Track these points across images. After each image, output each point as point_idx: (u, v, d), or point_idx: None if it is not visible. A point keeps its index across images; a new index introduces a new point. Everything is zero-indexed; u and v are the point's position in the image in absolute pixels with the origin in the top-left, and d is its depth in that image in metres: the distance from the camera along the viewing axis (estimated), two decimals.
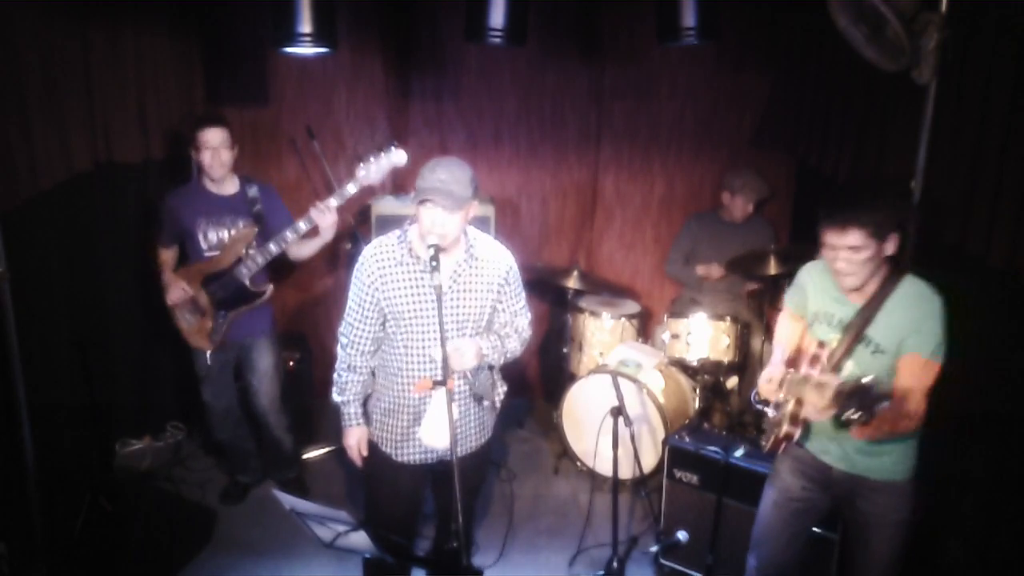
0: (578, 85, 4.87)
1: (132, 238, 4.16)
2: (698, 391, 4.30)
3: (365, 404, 2.85)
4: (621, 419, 3.25)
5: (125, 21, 3.83)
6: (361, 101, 4.78)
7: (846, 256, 2.36)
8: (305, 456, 4.38)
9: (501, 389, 2.94)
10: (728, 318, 4.31)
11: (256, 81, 4.62)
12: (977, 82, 2.81)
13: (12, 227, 2.98)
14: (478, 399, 2.80)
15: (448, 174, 2.49)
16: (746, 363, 4.51)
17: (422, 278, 2.62)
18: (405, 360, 2.70)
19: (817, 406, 2.28)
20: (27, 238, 3.23)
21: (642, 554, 3.56)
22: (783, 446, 2.56)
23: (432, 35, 4.73)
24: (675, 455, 3.50)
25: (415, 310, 2.63)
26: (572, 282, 4.56)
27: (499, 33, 3.62)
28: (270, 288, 3.70)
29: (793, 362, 2.59)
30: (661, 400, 4.00)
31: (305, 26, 3.52)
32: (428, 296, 2.62)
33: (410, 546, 2.91)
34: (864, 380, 2.12)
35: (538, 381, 5.29)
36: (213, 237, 3.63)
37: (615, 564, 3.10)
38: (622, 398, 3.27)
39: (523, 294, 2.86)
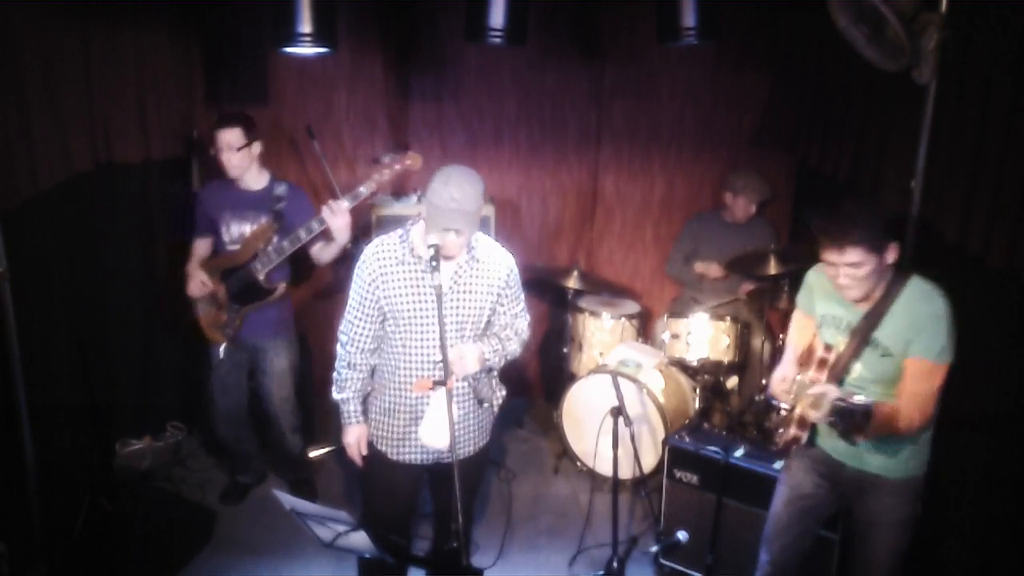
0: (578, 85, 4.87)
1: (132, 238, 4.16)
2: (698, 391, 4.30)
3: (364, 402, 2.85)
4: (621, 419, 3.25)
5: (125, 21, 3.83)
6: (361, 101, 4.78)
7: (847, 272, 2.36)
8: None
9: (500, 393, 2.94)
10: (728, 318, 4.31)
11: (256, 81, 4.62)
12: (977, 82, 2.80)
13: (12, 227, 2.98)
14: (480, 402, 2.80)
15: (461, 191, 2.48)
16: (746, 363, 4.51)
17: (423, 278, 2.62)
18: (404, 360, 2.70)
19: (816, 413, 2.30)
20: (27, 238, 3.23)
21: (642, 554, 3.56)
22: (794, 447, 2.58)
23: (432, 35, 4.73)
24: (675, 455, 3.50)
25: (415, 310, 2.63)
26: (572, 282, 4.56)
27: (499, 33, 3.62)
28: (282, 286, 3.70)
29: (803, 361, 2.62)
30: (661, 400, 4.00)
31: (305, 26, 3.52)
32: (428, 296, 2.62)
33: (409, 546, 2.91)
34: (856, 400, 2.18)
35: (538, 381, 5.29)
36: (235, 231, 3.66)
37: (615, 564, 3.10)
38: (622, 398, 3.27)
39: (523, 297, 2.86)
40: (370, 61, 4.71)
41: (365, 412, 2.84)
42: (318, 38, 3.56)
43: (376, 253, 2.66)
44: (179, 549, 3.55)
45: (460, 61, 4.77)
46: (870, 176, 3.62)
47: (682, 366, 4.35)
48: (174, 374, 4.51)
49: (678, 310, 4.57)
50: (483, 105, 4.88)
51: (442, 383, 2.48)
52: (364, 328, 2.72)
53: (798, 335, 2.71)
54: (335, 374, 2.81)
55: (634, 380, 3.99)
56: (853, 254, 2.32)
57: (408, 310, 2.63)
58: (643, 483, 3.94)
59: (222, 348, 3.72)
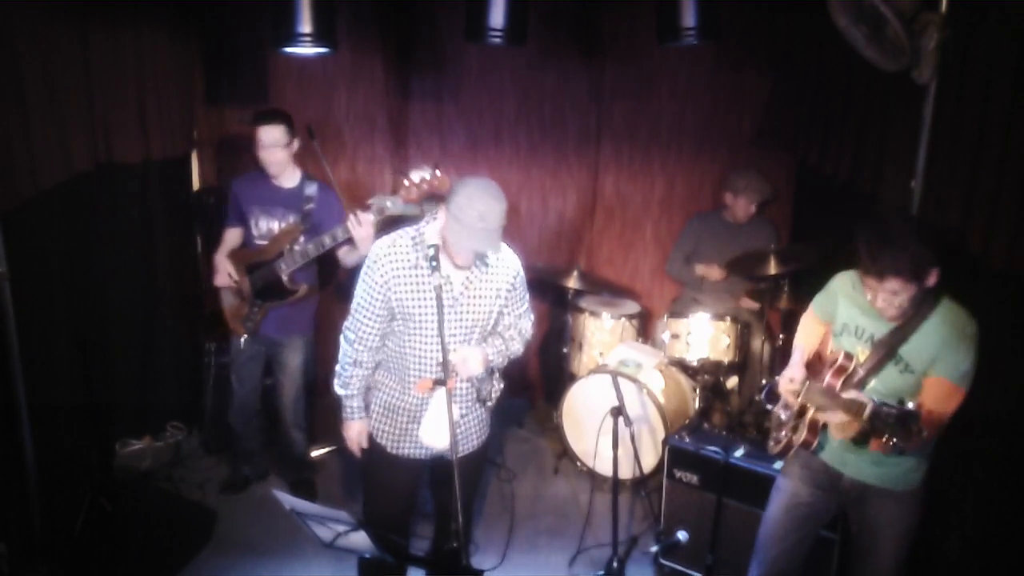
0: (578, 85, 4.87)
1: (132, 238, 4.16)
2: (698, 391, 4.30)
3: (365, 397, 2.85)
4: (621, 419, 3.25)
5: (125, 21, 3.83)
6: (361, 101, 4.78)
7: (886, 297, 2.32)
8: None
9: (499, 386, 2.94)
10: (728, 318, 4.31)
11: (256, 81, 4.61)
12: (977, 82, 2.80)
13: (12, 227, 2.98)
14: (483, 402, 2.81)
15: (488, 208, 2.45)
16: (746, 363, 4.51)
17: (433, 280, 2.62)
18: (410, 359, 2.71)
19: (846, 422, 2.26)
20: (27, 238, 3.23)
21: (642, 554, 3.56)
22: (794, 451, 2.56)
23: (432, 35, 4.73)
24: (675, 455, 3.50)
25: (426, 313, 2.63)
26: (572, 282, 4.56)
27: (499, 33, 3.61)
28: (304, 288, 3.72)
29: (811, 366, 2.59)
30: (661, 400, 4.00)
31: (305, 26, 3.51)
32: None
33: (408, 546, 2.92)
34: (907, 406, 2.09)
35: (538, 381, 5.29)
36: (264, 226, 3.69)
37: (615, 564, 3.10)
38: (622, 398, 3.27)
39: (527, 297, 2.87)
40: (370, 61, 4.71)
41: (367, 407, 2.84)
42: (318, 38, 3.56)
43: (389, 255, 2.63)
44: (179, 549, 3.55)
45: (460, 61, 4.77)
46: (870, 176, 3.62)
47: (682, 366, 4.35)
48: (174, 374, 4.51)
49: (678, 310, 4.57)
50: (483, 105, 4.87)
51: (442, 383, 2.49)
52: (372, 327, 2.72)
53: (808, 338, 2.68)
54: (339, 368, 2.81)
55: (634, 380, 3.99)
56: (892, 284, 2.28)
57: (419, 313, 2.63)
58: (643, 483, 3.94)
59: (242, 340, 3.79)
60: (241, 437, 4.04)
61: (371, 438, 2.85)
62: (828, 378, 2.42)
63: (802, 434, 2.49)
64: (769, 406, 2.70)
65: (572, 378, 4.46)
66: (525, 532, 3.86)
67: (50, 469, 3.23)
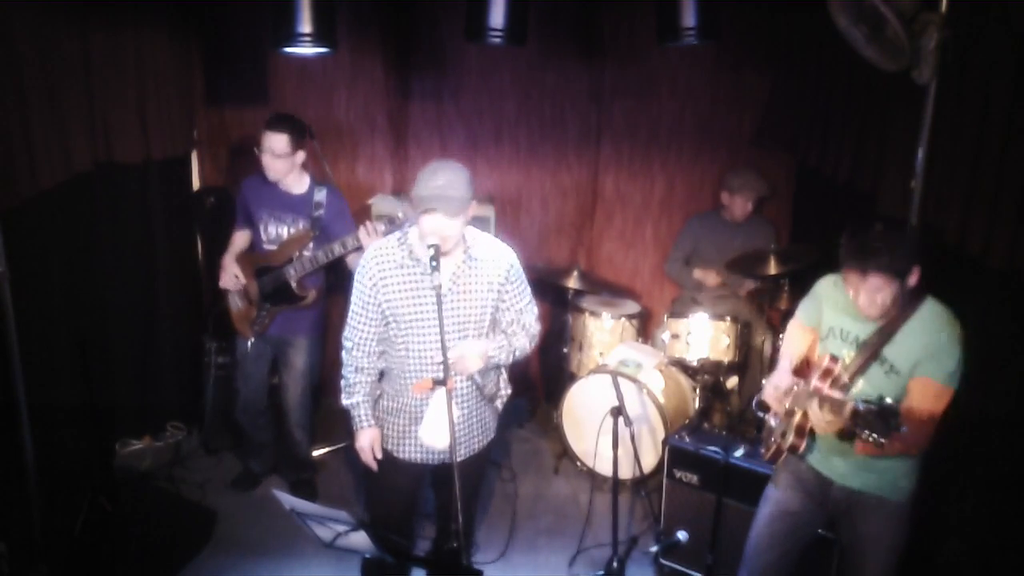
0: (578, 85, 4.87)
1: (132, 238, 4.16)
2: (698, 391, 4.30)
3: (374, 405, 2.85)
4: (621, 419, 3.24)
5: (125, 21, 3.83)
6: (361, 101, 4.78)
7: (868, 295, 2.33)
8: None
9: (506, 391, 2.94)
10: (728, 318, 4.31)
11: (256, 81, 4.62)
12: (977, 82, 2.81)
13: (12, 227, 2.98)
14: (489, 400, 2.80)
15: (446, 179, 2.50)
16: (746, 363, 4.51)
17: (422, 280, 2.62)
18: (407, 361, 2.71)
19: (828, 420, 2.26)
20: (27, 238, 3.23)
21: (642, 554, 3.56)
22: (783, 456, 2.55)
23: (432, 35, 4.73)
24: (675, 455, 3.50)
25: (415, 312, 2.64)
26: (572, 282, 4.56)
27: (499, 33, 3.61)
28: (313, 293, 3.73)
29: (800, 372, 2.58)
30: (661, 400, 4.00)
31: (305, 26, 3.51)
32: (428, 298, 2.62)
33: (409, 546, 2.92)
34: (887, 403, 2.10)
35: (538, 381, 5.29)
36: (273, 232, 3.69)
37: (615, 564, 3.10)
38: (622, 398, 3.27)
39: (528, 290, 2.86)
40: (370, 61, 4.71)
41: (376, 416, 2.84)
42: (318, 38, 3.56)
43: (375, 257, 2.66)
44: (179, 549, 3.55)
45: (460, 61, 4.77)
46: (870, 176, 3.62)
47: (682, 366, 4.35)
48: (174, 374, 4.51)
49: (678, 310, 4.57)
50: (483, 105, 4.87)
51: (442, 383, 2.48)
52: (368, 332, 2.72)
53: (795, 345, 2.67)
54: (343, 381, 2.80)
55: (634, 380, 3.99)
56: (876, 280, 2.29)
57: (409, 312, 2.64)
58: (643, 483, 3.94)
59: (249, 343, 3.79)
60: (250, 433, 4.05)
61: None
62: (815, 381, 2.41)
63: (790, 438, 2.47)
64: (760, 414, 2.69)
65: (572, 378, 4.46)
66: (525, 532, 3.86)
67: (50, 469, 3.23)
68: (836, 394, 2.30)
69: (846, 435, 2.39)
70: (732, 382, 4.53)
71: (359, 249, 3.48)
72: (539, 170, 5.00)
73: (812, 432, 2.48)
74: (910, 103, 3.15)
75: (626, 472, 3.78)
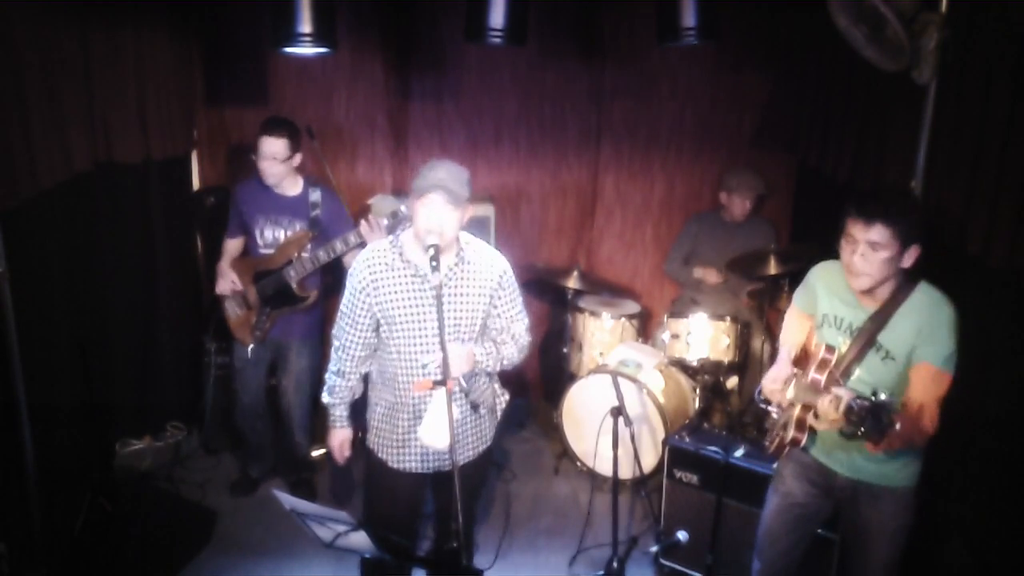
0: (578, 85, 4.87)
1: (132, 238, 4.15)
2: (698, 391, 4.30)
3: (362, 413, 2.86)
4: (621, 419, 3.25)
5: (125, 21, 3.83)
6: (361, 101, 4.78)
7: (864, 251, 2.31)
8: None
9: (503, 398, 2.94)
10: (728, 318, 4.31)
11: (256, 81, 4.62)
12: (977, 82, 2.80)
13: (12, 227, 2.98)
14: (475, 407, 2.79)
15: (447, 173, 2.52)
16: (746, 363, 4.51)
17: (413, 283, 2.62)
18: (399, 365, 2.70)
19: (827, 417, 2.25)
20: (27, 238, 3.23)
21: (642, 554, 3.56)
22: (787, 450, 2.55)
23: (432, 35, 4.73)
24: (675, 455, 3.50)
25: (407, 315, 2.63)
26: (572, 282, 4.56)
27: (499, 33, 3.61)
28: (315, 294, 3.74)
29: (799, 362, 2.58)
30: (661, 400, 4.00)
31: (305, 26, 3.51)
32: (420, 301, 2.62)
33: (409, 546, 2.91)
34: (879, 398, 2.08)
35: (538, 381, 5.29)
36: (269, 235, 3.69)
37: (615, 564, 3.10)
38: (622, 398, 3.27)
39: (520, 300, 2.84)
40: (370, 61, 4.71)
41: (351, 417, 2.86)
42: (318, 38, 3.56)
43: (367, 260, 2.66)
44: (179, 549, 3.55)
45: (460, 61, 4.77)
46: (870, 176, 3.62)
47: (682, 366, 4.35)
48: (174, 374, 4.50)
49: (678, 310, 4.57)
50: (483, 105, 4.87)
51: (442, 383, 2.48)
52: (354, 335, 2.72)
53: (793, 335, 2.66)
54: (326, 377, 2.84)
55: (634, 380, 3.99)
56: (879, 232, 2.27)
57: (401, 315, 2.63)
58: (643, 483, 3.94)
59: (249, 349, 3.77)
60: (248, 437, 4.05)
61: (373, 452, 2.85)
62: (812, 373, 2.41)
63: (790, 432, 2.47)
64: (763, 405, 2.70)
65: (572, 378, 4.46)
66: (525, 532, 3.86)
67: (50, 469, 3.23)
68: (835, 390, 2.28)
69: (847, 435, 2.39)
70: (732, 382, 4.53)
71: (361, 245, 3.48)
72: (539, 170, 5.00)
73: (812, 427, 2.48)
74: (910, 103, 3.15)
75: (626, 472, 3.78)
